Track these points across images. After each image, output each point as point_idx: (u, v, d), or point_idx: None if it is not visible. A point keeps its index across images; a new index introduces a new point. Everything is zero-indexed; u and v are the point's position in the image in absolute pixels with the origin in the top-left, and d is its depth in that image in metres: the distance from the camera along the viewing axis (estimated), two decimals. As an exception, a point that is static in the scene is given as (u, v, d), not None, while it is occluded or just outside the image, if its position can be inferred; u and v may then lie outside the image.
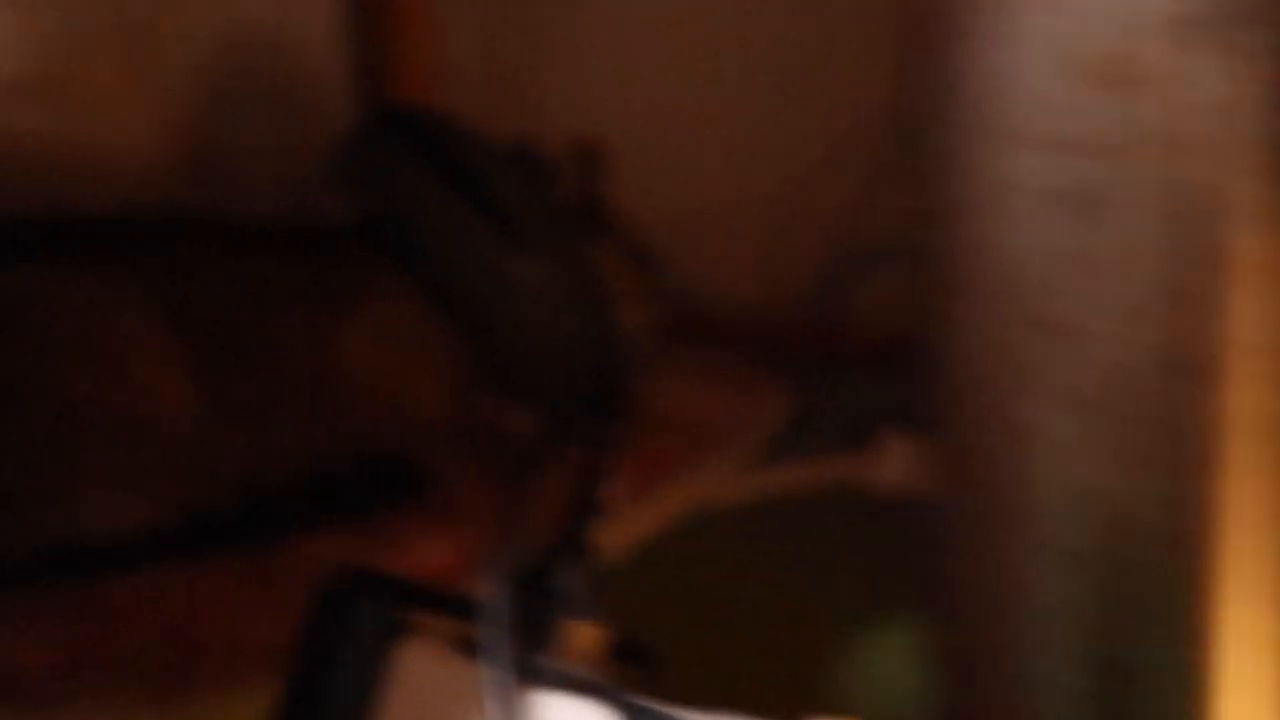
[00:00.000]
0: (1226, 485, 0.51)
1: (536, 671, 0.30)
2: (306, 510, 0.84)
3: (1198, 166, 0.48)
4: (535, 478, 0.30)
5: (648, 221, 1.11)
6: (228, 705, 0.65)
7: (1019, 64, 0.49)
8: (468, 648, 0.32)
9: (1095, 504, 0.52)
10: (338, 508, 0.85)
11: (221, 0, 1.37)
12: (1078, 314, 0.50)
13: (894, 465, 0.95)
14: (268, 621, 0.73)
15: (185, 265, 0.85)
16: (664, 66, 1.31)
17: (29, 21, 1.21)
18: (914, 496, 0.91)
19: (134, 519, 0.79)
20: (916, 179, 1.13)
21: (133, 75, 1.30)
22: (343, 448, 0.89)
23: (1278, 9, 0.47)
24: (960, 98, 0.51)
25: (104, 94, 1.28)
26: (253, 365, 0.85)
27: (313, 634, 0.35)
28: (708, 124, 1.29)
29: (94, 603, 0.75)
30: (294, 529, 0.83)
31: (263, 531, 0.82)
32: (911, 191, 1.13)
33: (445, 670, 0.32)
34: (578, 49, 1.38)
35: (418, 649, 0.33)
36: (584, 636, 0.31)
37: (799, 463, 0.97)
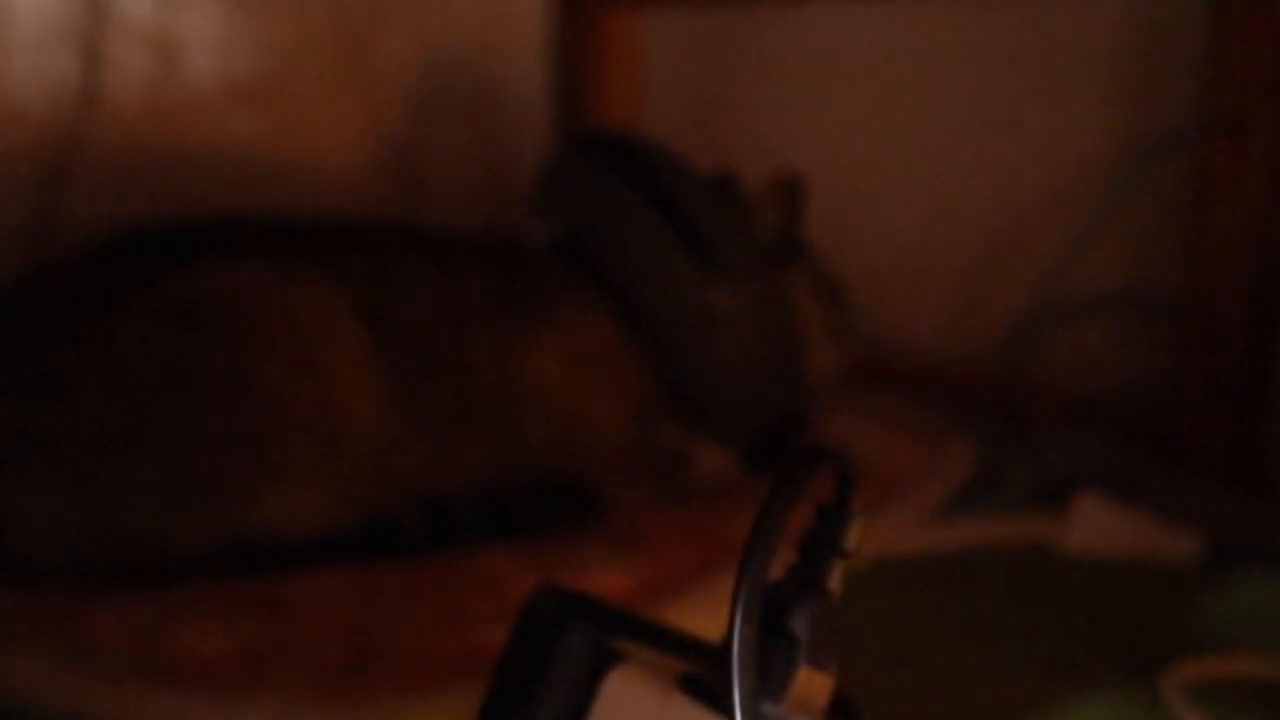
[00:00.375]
0: None
1: (765, 719, 0.28)
2: (484, 526, 0.84)
3: None
4: (780, 512, 0.28)
5: (841, 261, 1.10)
6: (399, 711, 0.65)
7: None
8: (685, 684, 0.31)
9: None
10: (515, 526, 0.85)
11: (431, 19, 1.40)
12: None
13: (1087, 527, 0.91)
14: (442, 632, 0.72)
15: (388, 274, 0.86)
16: (866, 102, 1.29)
17: (246, 29, 1.26)
18: (1107, 560, 0.87)
19: (319, 519, 0.80)
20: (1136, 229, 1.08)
21: (342, 85, 1.33)
22: (523, 466, 0.89)
23: None
24: None
25: (314, 102, 1.32)
26: (443, 378, 0.86)
27: (518, 655, 0.34)
28: (909, 166, 1.26)
29: (274, 599, 0.75)
30: (471, 543, 0.83)
31: (440, 543, 0.82)
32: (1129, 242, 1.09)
33: (659, 705, 0.31)
34: (778, 82, 1.37)
35: (628, 680, 0.32)
36: (811, 685, 0.29)
37: (986, 518, 0.93)
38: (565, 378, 0.91)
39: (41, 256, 1.11)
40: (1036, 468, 1.00)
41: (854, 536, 0.31)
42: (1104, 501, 0.92)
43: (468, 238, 0.96)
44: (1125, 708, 0.66)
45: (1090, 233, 1.12)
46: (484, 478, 0.87)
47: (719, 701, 0.28)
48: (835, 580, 0.31)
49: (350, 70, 1.33)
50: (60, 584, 0.74)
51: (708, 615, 0.67)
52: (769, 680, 0.28)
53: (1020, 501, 0.96)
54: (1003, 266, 1.19)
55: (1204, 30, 0.98)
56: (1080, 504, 0.92)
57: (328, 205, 1.28)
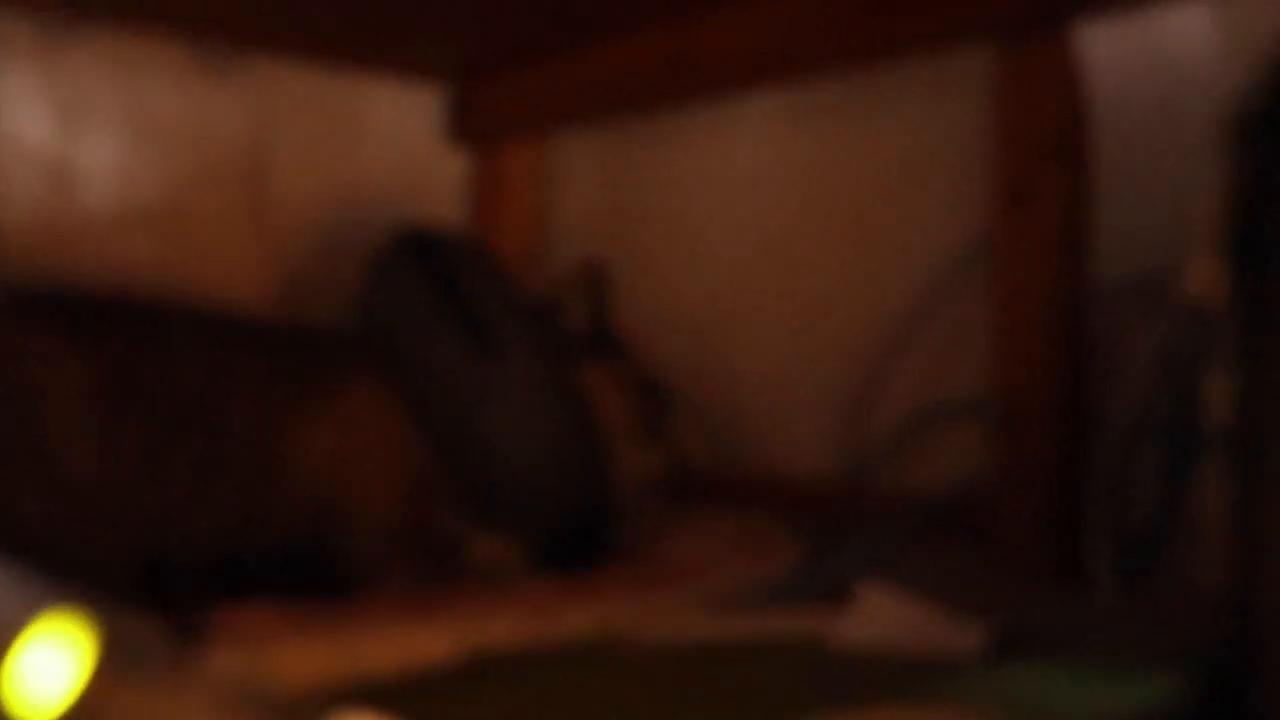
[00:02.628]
0: None
1: None
2: (208, 589, 0.82)
3: None
4: None
5: (720, 382, 1.08)
6: None
7: None
8: None
9: None
10: (246, 590, 0.83)
11: (340, 158, 1.46)
12: None
13: (866, 619, 0.85)
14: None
15: (148, 339, 0.88)
16: (740, 221, 1.29)
17: (145, 158, 1.32)
18: (886, 653, 0.81)
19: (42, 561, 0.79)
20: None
21: (243, 218, 1.38)
22: (276, 534, 0.87)
23: None
24: None
25: (213, 232, 1.36)
26: (193, 440, 0.85)
27: None
28: (776, 282, 1.25)
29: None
30: (196, 603, 0.81)
31: (165, 600, 0.80)
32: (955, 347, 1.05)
33: None
34: (668, 204, 1.38)
35: None
36: None
37: (764, 611, 0.88)
38: (331, 451, 0.90)
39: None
40: (840, 565, 0.94)
41: None
42: (884, 594, 0.86)
43: (263, 321, 0.98)
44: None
45: (922, 340, 1.09)
46: (229, 542, 0.85)
47: None
48: None
49: (252, 204, 1.38)
50: None
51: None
52: None
53: (810, 596, 0.91)
54: (859, 378, 1.15)
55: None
56: (861, 596, 0.87)
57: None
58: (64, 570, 0.79)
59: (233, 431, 0.87)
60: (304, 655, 0.68)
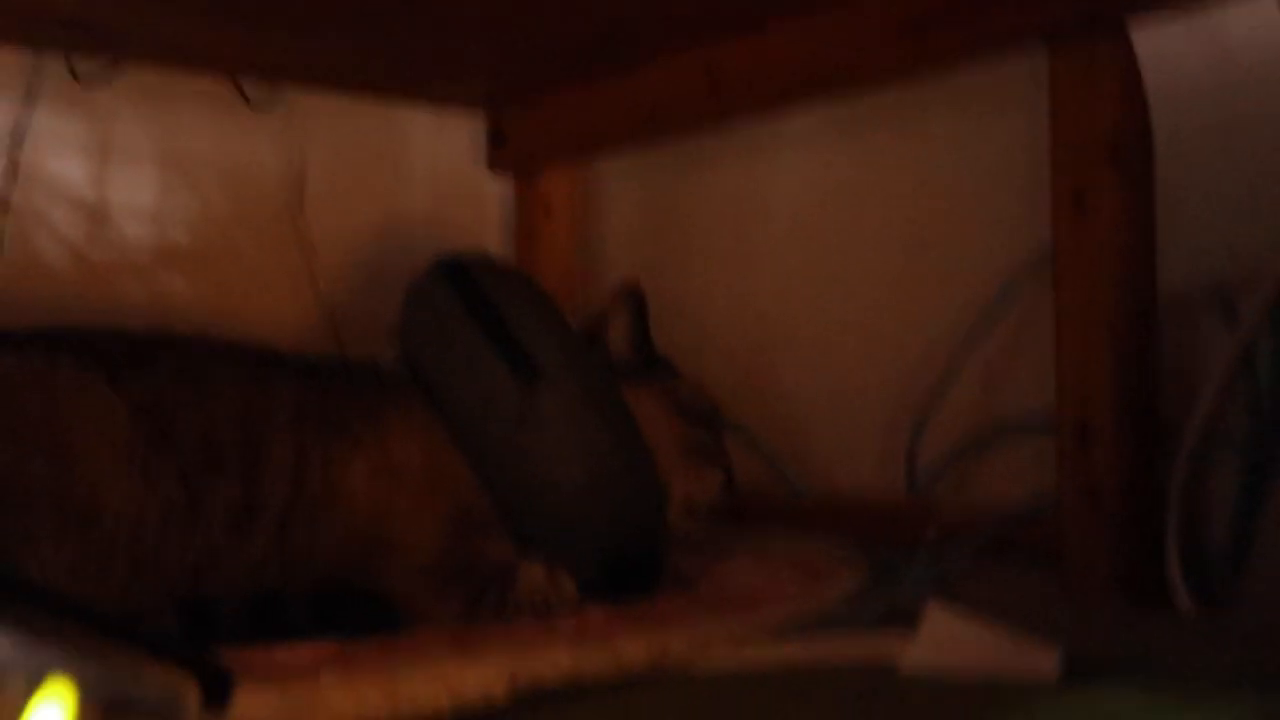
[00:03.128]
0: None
1: None
2: (247, 628, 0.80)
3: None
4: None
5: (774, 403, 1.05)
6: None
7: None
8: None
9: None
10: (286, 631, 0.80)
11: (383, 192, 1.44)
12: None
13: (934, 642, 0.81)
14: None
15: (186, 376, 0.86)
16: (788, 247, 1.27)
17: (179, 199, 1.31)
18: (956, 675, 0.78)
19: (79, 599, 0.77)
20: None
21: (283, 250, 1.37)
22: (314, 572, 0.85)
23: None
24: None
25: (253, 265, 1.35)
26: (232, 479, 0.83)
27: None
28: (828, 305, 1.22)
29: None
30: (239, 641, 0.78)
31: (200, 643, 0.78)
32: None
33: None
34: (711, 230, 1.35)
35: None
36: None
37: (830, 636, 0.84)
38: (372, 489, 0.87)
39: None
40: (902, 587, 0.91)
41: None
42: (953, 616, 0.83)
43: (304, 357, 0.95)
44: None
45: (984, 354, 1.06)
46: (265, 580, 0.83)
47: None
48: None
49: (292, 237, 1.37)
50: None
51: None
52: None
53: (877, 619, 0.87)
54: (919, 395, 1.12)
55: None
56: (929, 619, 0.83)
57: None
58: (98, 612, 0.77)
59: (272, 468, 0.85)
60: (347, 694, 0.65)
